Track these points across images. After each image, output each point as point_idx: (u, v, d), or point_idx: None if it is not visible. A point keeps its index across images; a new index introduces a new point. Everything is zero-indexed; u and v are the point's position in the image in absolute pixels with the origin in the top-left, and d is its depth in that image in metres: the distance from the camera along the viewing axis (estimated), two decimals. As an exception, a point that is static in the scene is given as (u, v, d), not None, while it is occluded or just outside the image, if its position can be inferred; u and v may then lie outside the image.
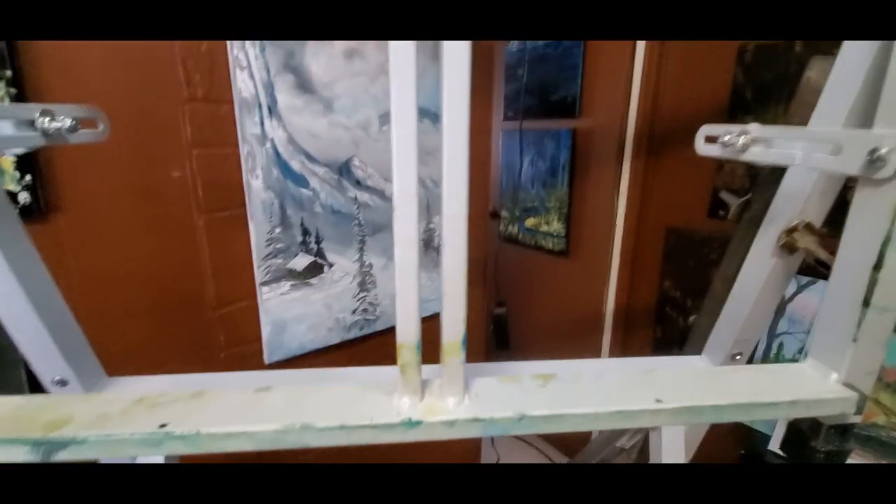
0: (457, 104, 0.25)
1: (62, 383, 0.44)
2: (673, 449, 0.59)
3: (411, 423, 0.29)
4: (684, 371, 0.36)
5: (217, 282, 0.88)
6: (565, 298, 1.92)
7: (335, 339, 1.04)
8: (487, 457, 1.82)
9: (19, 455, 0.28)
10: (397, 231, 0.28)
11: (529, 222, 1.97)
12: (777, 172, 0.45)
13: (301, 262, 0.94)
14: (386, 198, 1.02)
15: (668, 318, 1.72)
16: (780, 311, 1.37)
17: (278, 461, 1.09)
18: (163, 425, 0.28)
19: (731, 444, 1.42)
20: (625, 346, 1.81)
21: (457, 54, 0.24)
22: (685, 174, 1.55)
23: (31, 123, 0.36)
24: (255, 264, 0.89)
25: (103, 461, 0.48)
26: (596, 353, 1.86)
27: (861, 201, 0.33)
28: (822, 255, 0.41)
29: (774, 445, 1.31)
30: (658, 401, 0.32)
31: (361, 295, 1.05)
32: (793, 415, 0.32)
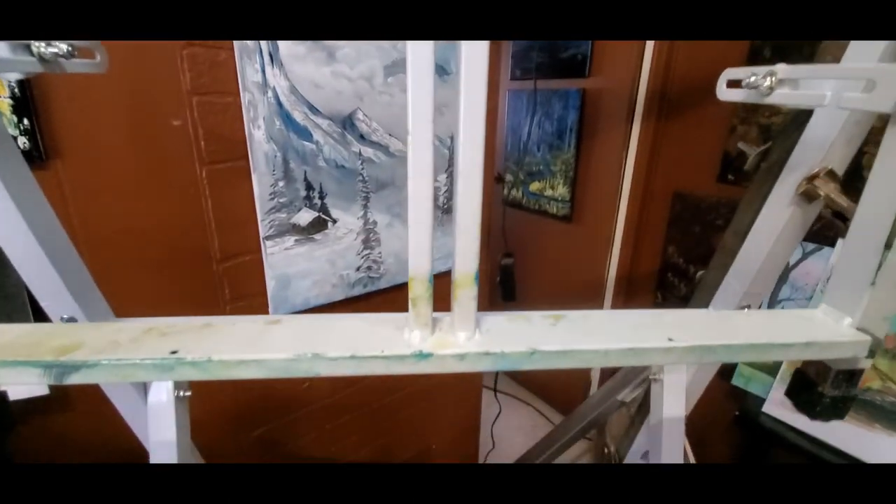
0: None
1: (71, 321, 0.44)
2: (674, 401, 0.60)
3: (422, 356, 0.29)
4: (696, 314, 0.36)
5: (221, 234, 0.87)
6: (568, 264, 1.92)
7: (339, 296, 1.04)
8: (489, 410, 1.87)
9: (32, 377, 0.28)
10: (412, 160, 0.27)
11: (534, 186, 1.95)
12: (801, 118, 0.43)
13: (305, 217, 0.93)
14: (390, 153, 1.00)
15: (669, 285, 1.73)
16: (783, 277, 1.37)
17: (292, 401, 1.11)
18: (174, 351, 0.28)
19: (727, 405, 1.46)
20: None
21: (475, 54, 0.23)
22: (696, 137, 1.51)
23: (27, 48, 0.34)
24: (259, 218, 0.88)
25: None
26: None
27: (891, 140, 0.31)
28: (843, 202, 0.40)
29: (769, 407, 1.34)
30: (670, 339, 0.31)
31: (365, 252, 1.04)
32: (805, 357, 0.32)
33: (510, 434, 1.97)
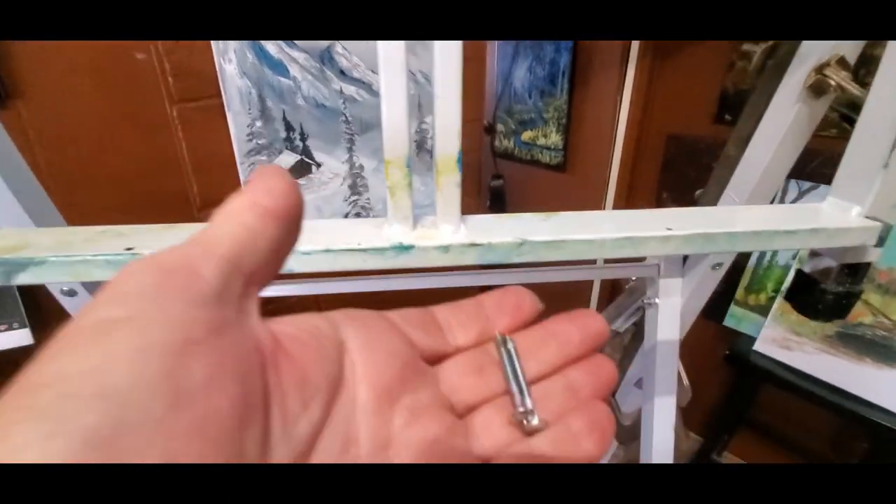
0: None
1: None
2: (669, 325, 0.59)
3: (402, 248, 0.27)
4: (696, 210, 0.33)
5: (199, 179, 0.84)
6: (561, 214, 1.90)
7: (328, 244, 1.02)
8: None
9: (-25, 280, 0.25)
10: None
11: (526, 135, 1.89)
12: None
13: (287, 159, 0.89)
14: (374, 92, 0.95)
15: (663, 232, 1.71)
16: (777, 217, 1.36)
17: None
18: (129, 248, 0.26)
19: (716, 346, 1.48)
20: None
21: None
22: (692, 76, 1.46)
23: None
24: (238, 161, 0.84)
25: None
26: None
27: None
28: (855, 90, 0.37)
29: (760, 345, 1.36)
30: (668, 228, 0.29)
31: (353, 198, 1.01)
32: (811, 245, 0.31)
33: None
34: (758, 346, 1.36)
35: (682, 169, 1.55)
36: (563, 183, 1.86)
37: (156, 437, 0.10)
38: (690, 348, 0.67)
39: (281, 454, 0.12)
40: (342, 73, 0.90)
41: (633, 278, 0.66)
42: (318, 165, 0.93)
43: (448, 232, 0.28)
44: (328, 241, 0.27)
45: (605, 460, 0.89)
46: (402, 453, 0.15)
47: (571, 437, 0.18)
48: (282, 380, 0.13)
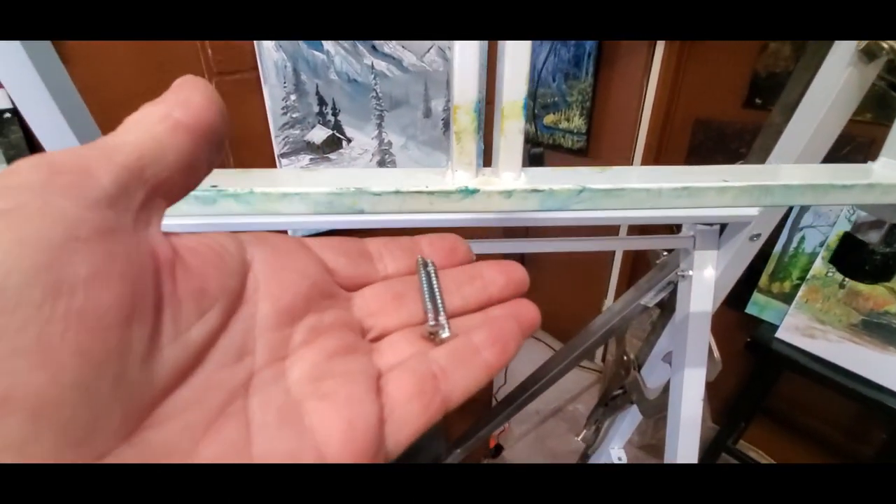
0: None
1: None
2: (702, 296, 0.59)
3: (467, 191, 0.28)
4: (747, 167, 0.34)
5: (235, 151, 0.86)
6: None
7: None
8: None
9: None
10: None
11: (548, 119, 1.89)
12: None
13: (319, 134, 0.91)
14: (404, 68, 0.96)
15: (685, 219, 1.70)
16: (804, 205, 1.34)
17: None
18: (214, 185, 0.27)
19: (738, 334, 1.47)
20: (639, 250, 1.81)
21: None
22: (722, 59, 1.43)
23: None
24: (273, 134, 0.86)
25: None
26: (608, 256, 1.87)
27: None
28: (910, 52, 0.37)
29: (783, 333, 1.35)
30: (725, 180, 0.30)
31: (381, 175, 1.02)
32: (866, 200, 0.31)
33: (521, 367, 2.03)
34: (780, 334, 1.35)
35: (710, 154, 1.53)
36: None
37: (31, 321, 0.09)
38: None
39: (171, 355, 0.12)
40: (374, 49, 0.91)
41: (665, 253, 0.67)
42: (349, 141, 0.95)
43: (510, 178, 0.29)
44: (398, 184, 0.28)
45: (628, 434, 0.90)
46: (298, 365, 0.15)
47: (471, 347, 0.18)
48: (177, 288, 0.13)
